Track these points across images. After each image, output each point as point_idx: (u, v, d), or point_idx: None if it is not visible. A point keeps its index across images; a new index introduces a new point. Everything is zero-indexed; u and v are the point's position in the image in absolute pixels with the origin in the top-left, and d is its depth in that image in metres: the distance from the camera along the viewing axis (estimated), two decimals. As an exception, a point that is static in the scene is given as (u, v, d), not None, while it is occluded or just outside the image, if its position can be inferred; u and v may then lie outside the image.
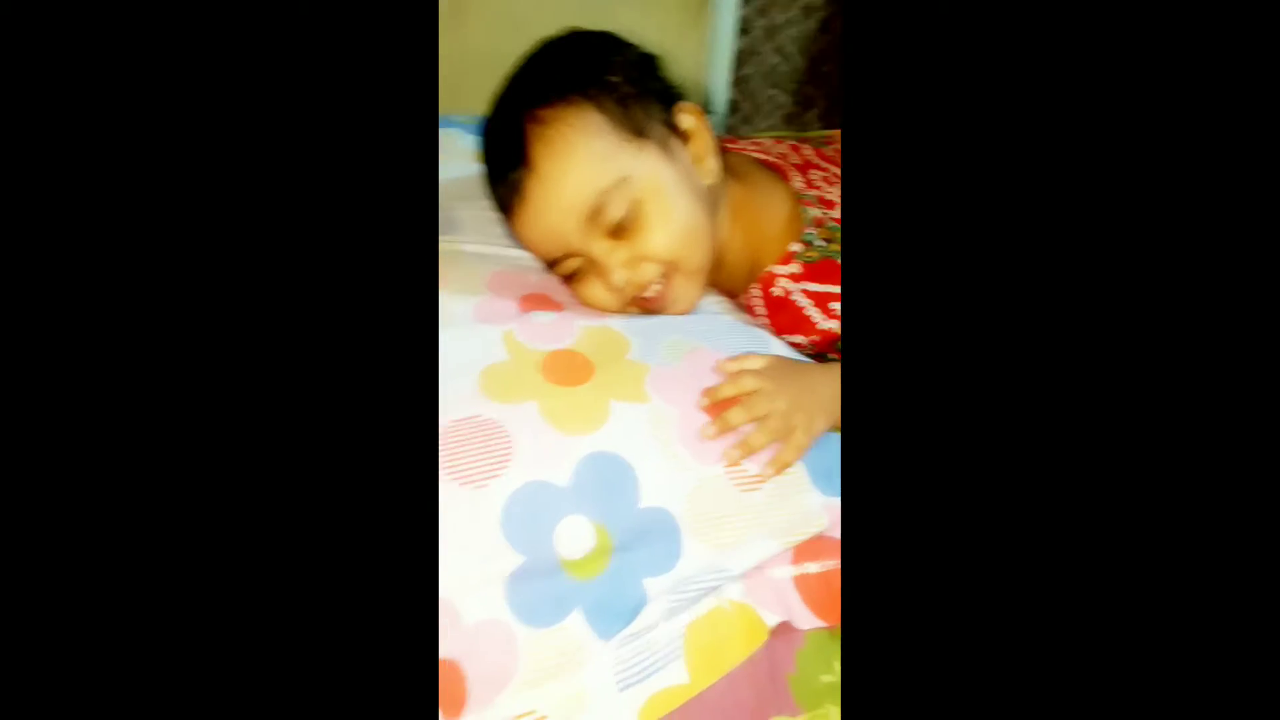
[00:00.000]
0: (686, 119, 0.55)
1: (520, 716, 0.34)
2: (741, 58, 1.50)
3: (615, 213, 0.49)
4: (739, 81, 1.53)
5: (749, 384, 0.45)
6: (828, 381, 0.46)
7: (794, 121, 1.60)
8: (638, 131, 0.51)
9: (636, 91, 0.53)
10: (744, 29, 1.47)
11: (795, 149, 0.65)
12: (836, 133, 0.74)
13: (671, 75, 0.60)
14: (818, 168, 0.61)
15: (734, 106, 1.53)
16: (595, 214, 0.49)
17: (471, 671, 0.35)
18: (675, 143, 0.54)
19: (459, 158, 0.69)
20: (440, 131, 0.75)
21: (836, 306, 0.53)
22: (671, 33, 1.33)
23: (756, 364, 0.47)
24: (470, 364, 0.45)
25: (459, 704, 0.34)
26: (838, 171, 0.61)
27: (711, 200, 0.55)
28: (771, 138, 0.70)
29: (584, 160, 0.49)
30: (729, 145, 0.65)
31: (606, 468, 0.41)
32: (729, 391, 0.45)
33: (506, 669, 0.35)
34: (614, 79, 0.53)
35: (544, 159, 0.50)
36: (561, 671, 0.36)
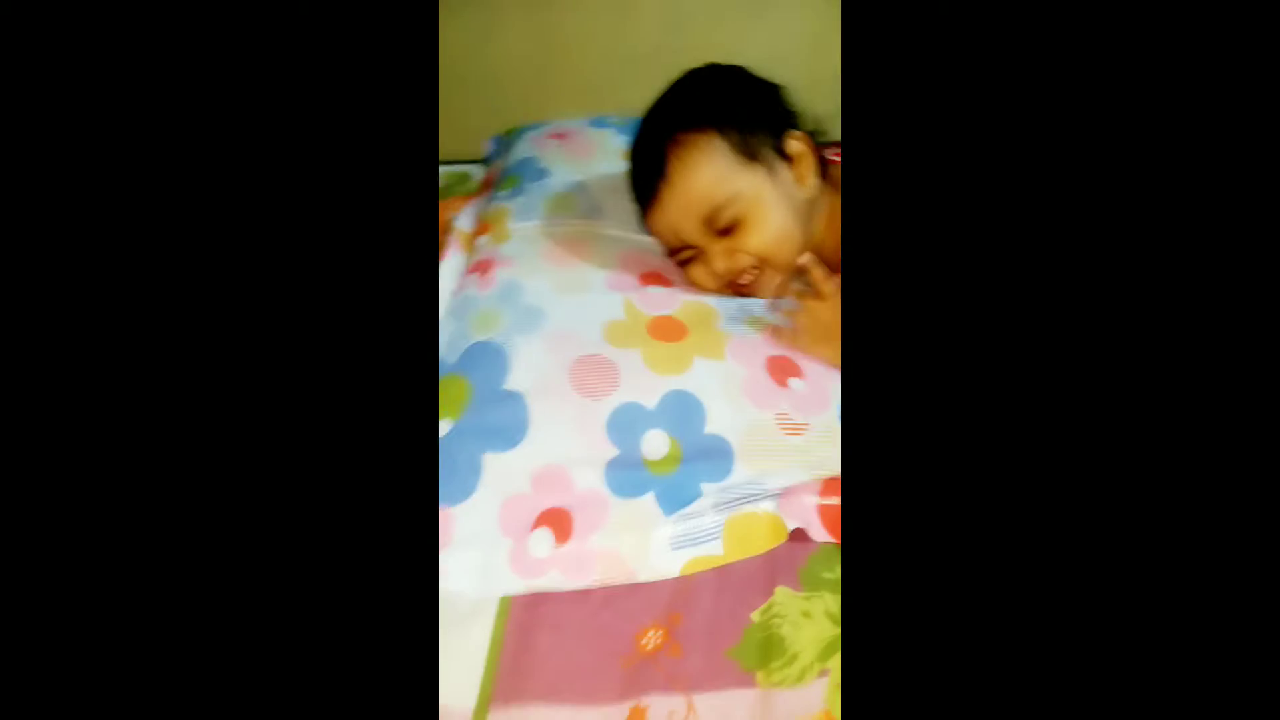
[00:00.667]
0: (794, 146, 0.68)
1: (605, 549, 0.51)
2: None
3: (724, 219, 0.64)
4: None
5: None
6: None
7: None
8: (751, 157, 0.65)
9: (755, 122, 0.67)
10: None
11: None
12: None
13: (790, 102, 0.73)
14: None
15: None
16: (709, 219, 0.64)
17: (577, 518, 0.52)
18: (781, 165, 0.67)
19: (610, 156, 0.86)
20: (597, 130, 0.92)
21: None
22: (826, 29, 1.41)
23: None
24: (597, 320, 0.62)
25: (567, 536, 0.52)
26: None
27: (808, 210, 0.68)
28: None
29: (707, 178, 0.64)
30: (836, 159, 0.77)
31: (684, 401, 0.57)
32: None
33: (599, 520, 0.52)
34: (739, 112, 0.66)
35: (677, 174, 0.65)
36: (635, 529, 0.52)
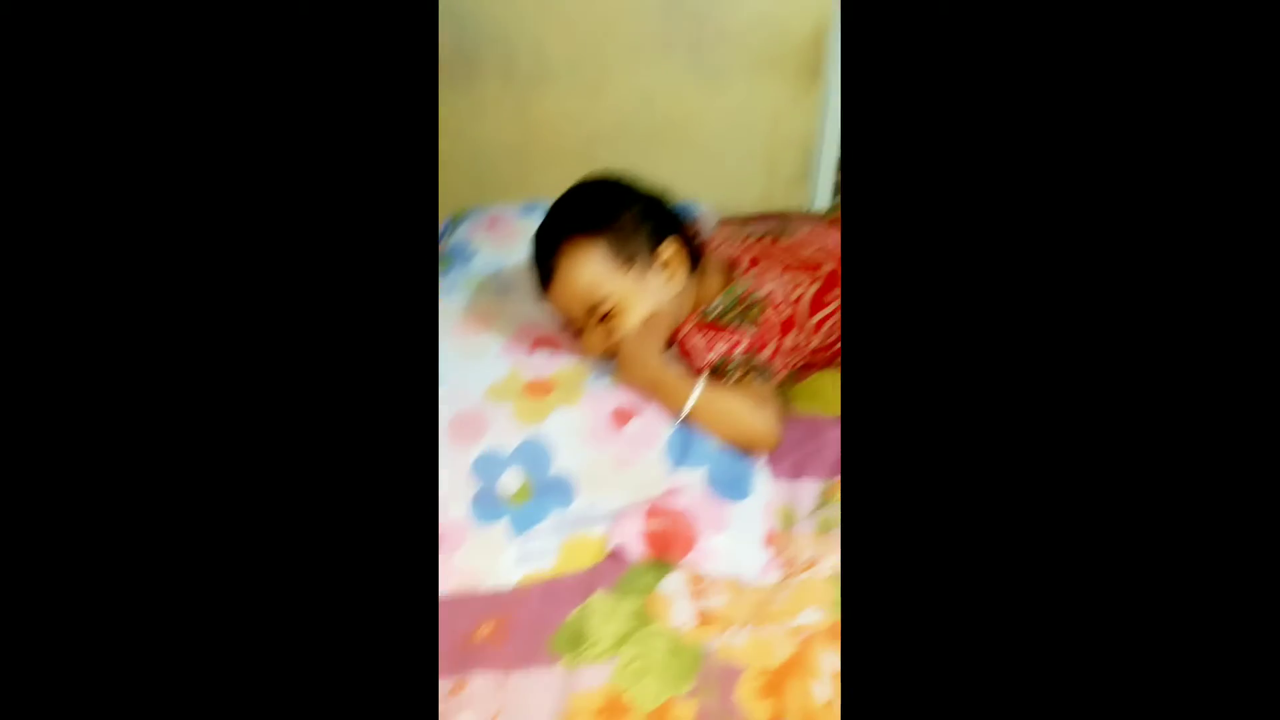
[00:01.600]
0: (666, 251, 0.82)
1: (462, 566, 0.66)
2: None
3: (601, 311, 0.79)
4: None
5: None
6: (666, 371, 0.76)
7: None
8: (628, 261, 0.79)
9: (635, 232, 0.80)
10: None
11: (759, 244, 0.90)
12: (798, 232, 0.95)
13: (669, 208, 0.86)
14: (767, 259, 0.86)
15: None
16: (590, 309, 0.79)
17: (447, 539, 0.67)
18: (654, 267, 0.81)
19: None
20: (525, 218, 1.08)
21: (711, 350, 0.78)
22: (785, 101, 1.57)
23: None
24: (484, 379, 0.78)
25: (439, 553, 0.66)
26: (784, 263, 0.86)
27: (678, 300, 0.82)
28: (752, 238, 0.94)
29: (587, 278, 0.79)
30: (706, 246, 0.91)
31: (536, 446, 0.71)
32: None
33: (462, 541, 0.67)
34: (620, 221, 0.80)
35: (564, 271, 0.80)
36: (488, 550, 0.66)
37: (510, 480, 0.70)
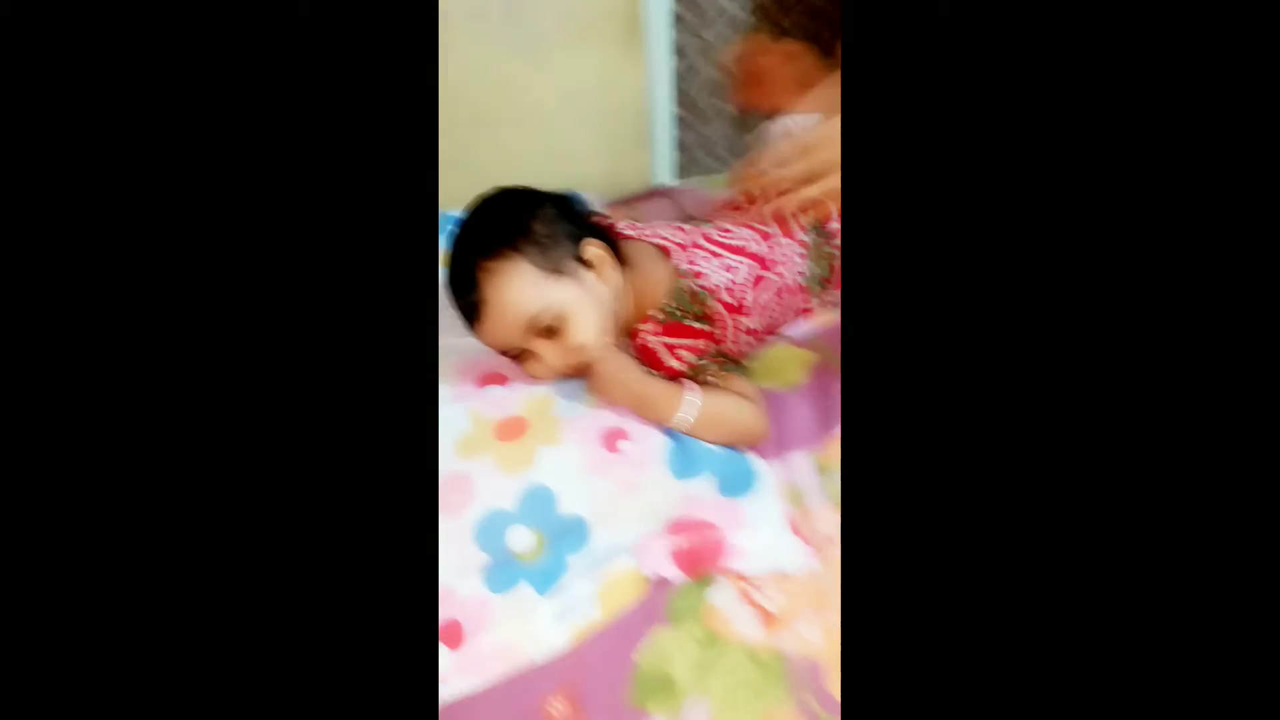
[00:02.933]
0: (590, 252, 0.77)
1: (497, 643, 0.59)
2: (682, 77, 1.71)
3: (543, 323, 0.72)
4: (684, 97, 1.74)
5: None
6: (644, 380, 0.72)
7: (738, 122, 1.81)
8: (555, 269, 0.74)
9: (552, 237, 0.75)
10: (679, 52, 1.68)
11: (684, 231, 0.88)
12: (726, 220, 0.93)
13: (581, 207, 0.81)
14: (700, 247, 0.84)
15: (683, 120, 1.75)
16: (530, 326, 0.73)
17: (467, 626, 0.60)
18: (583, 270, 0.76)
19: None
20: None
21: (681, 352, 0.76)
22: (610, 65, 1.53)
23: None
24: (448, 436, 0.70)
25: (459, 642, 0.59)
26: (715, 249, 0.84)
27: (615, 298, 0.78)
28: (672, 226, 0.91)
29: (518, 294, 0.72)
30: (630, 236, 0.87)
31: (537, 493, 0.65)
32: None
33: (486, 620, 0.60)
34: (536, 230, 0.74)
35: (491, 295, 0.72)
36: (521, 617, 0.60)
37: (520, 539, 0.64)
